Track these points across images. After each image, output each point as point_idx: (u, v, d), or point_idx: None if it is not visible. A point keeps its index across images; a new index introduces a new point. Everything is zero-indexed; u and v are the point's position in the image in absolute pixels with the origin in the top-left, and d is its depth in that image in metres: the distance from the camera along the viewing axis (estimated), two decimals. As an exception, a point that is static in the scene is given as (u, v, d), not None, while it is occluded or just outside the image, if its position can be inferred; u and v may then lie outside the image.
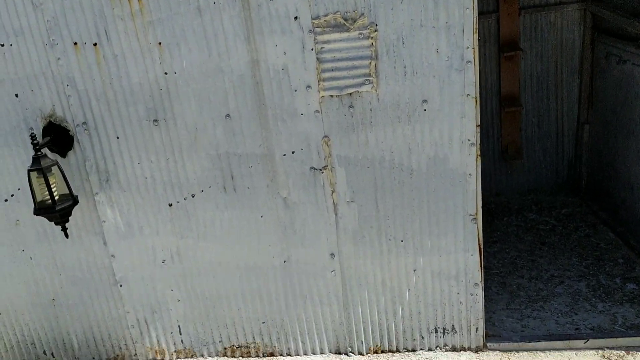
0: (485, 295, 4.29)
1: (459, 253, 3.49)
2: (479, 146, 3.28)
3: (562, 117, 5.70)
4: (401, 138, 3.28)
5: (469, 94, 3.17)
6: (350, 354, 3.76)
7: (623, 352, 3.53)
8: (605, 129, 5.18)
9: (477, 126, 3.23)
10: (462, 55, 3.10)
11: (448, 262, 3.51)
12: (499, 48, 5.48)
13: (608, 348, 3.56)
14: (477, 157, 3.30)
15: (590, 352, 3.57)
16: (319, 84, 3.19)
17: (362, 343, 3.73)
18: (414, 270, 3.55)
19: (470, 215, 3.42)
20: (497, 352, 3.67)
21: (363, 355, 3.76)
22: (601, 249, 4.79)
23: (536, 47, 5.50)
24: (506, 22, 5.35)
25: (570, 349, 3.60)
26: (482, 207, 5.79)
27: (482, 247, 3.48)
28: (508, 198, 5.94)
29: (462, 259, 3.50)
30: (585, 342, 3.58)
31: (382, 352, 3.76)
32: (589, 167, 5.65)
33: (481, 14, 5.38)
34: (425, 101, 3.20)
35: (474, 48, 3.08)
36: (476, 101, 3.18)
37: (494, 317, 4.03)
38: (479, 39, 5.48)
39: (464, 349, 3.70)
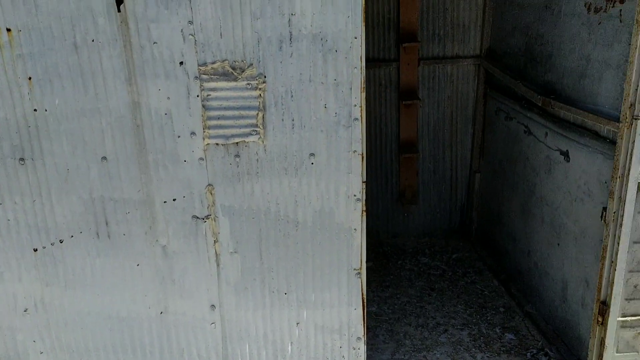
0: (372, 344, 4.30)
1: (342, 307, 3.46)
2: (364, 202, 3.28)
3: (456, 165, 5.92)
4: (287, 190, 3.23)
5: (355, 150, 3.17)
6: (229, 409, 3.60)
7: (496, 406, 3.62)
8: (493, 180, 5.42)
9: (363, 182, 3.24)
10: (349, 112, 3.10)
11: (331, 315, 3.47)
12: (399, 95, 5.62)
13: (483, 402, 3.65)
14: (362, 213, 3.30)
15: (466, 406, 3.64)
16: (204, 132, 3.07)
17: (242, 398, 3.59)
18: (297, 324, 3.47)
19: (354, 269, 3.40)
20: (378, 406, 3.66)
21: (242, 410, 3.61)
22: (485, 296, 4.96)
23: (433, 96, 5.70)
24: (406, 71, 5.51)
25: (448, 402, 3.66)
26: (379, 248, 5.94)
27: (365, 301, 3.46)
28: (404, 240, 6.06)
29: (346, 313, 3.47)
30: (461, 396, 3.65)
31: (263, 406, 3.63)
32: (479, 214, 5.88)
33: (383, 61, 5.52)
34: (312, 155, 3.17)
35: (361, 106, 3.10)
36: (362, 158, 3.19)
37: (378, 368, 4.04)
38: (380, 85, 5.63)
39: (346, 403, 3.65)
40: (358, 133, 3.14)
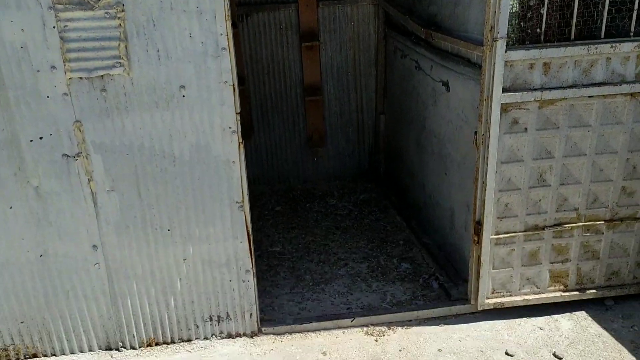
0: (273, 281, 4.38)
1: (228, 241, 3.49)
2: (240, 134, 3.28)
3: (362, 107, 5.99)
4: (160, 124, 3.18)
5: (226, 81, 3.15)
6: (122, 349, 3.61)
7: (385, 327, 3.78)
8: (395, 119, 5.53)
9: (237, 114, 3.23)
10: (216, 42, 3.06)
11: (218, 250, 3.50)
12: (300, 38, 5.59)
13: (372, 325, 3.80)
14: (239, 145, 3.30)
15: (356, 329, 3.78)
16: (65, 65, 2.96)
17: (134, 337, 3.60)
18: (184, 260, 3.48)
19: (237, 202, 3.42)
20: (271, 335, 3.75)
21: (136, 349, 3.63)
22: (387, 231, 5.12)
23: (335, 38, 5.69)
24: (305, 12, 5.47)
25: (339, 327, 3.78)
26: (289, 193, 5.99)
27: (250, 233, 3.50)
28: (314, 185, 6.13)
29: (232, 247, 3.50)
30: (352, 321, 3.78)
31: (157, 344, 3.65)
32: (386, 155, 6.01)
33: (281, 3, 5.46)
34: (183, 87, 3.12)
35: (227, 35, 3.06)
36: (234, 89, 3.17)
37: (276, 302, 4.11)
38: (281, 28, 5.57)
39: (240, 335, 3.72)
40: (227, 63, 3.11)
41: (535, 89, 3.31)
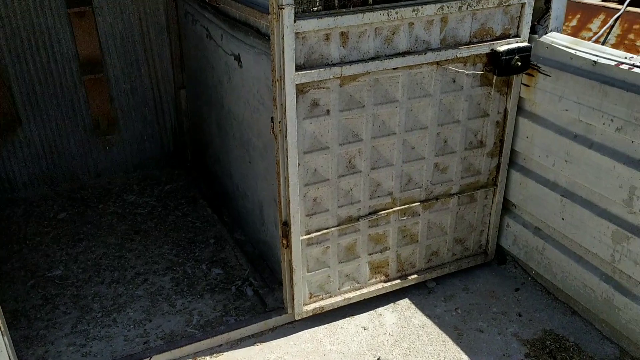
0: (48, 320, 3.49)
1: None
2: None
3: (158, 82, 5.11)
4: None
5: None
6: None
7: (190, 360, 3.14)
8: (195, 95, 4.76)
9: None
10: None
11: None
12: (66, 2, 4.50)
13: None
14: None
15: (155, 369, 3.09)
16: None
17: None
18: None
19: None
20: (42, 399, 2.91)
21: None
22: (196, 229, 4.42)
23: (114, 1, 4.69)
24: (66, -32, 4.38)
25: (132, 372, 3.06)
26: (77, 193, 4.97)
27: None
28: (110, 179, 5.18)
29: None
30: (148, 361, 3.08)
31: None
32: (191, 135, 5.23)
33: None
34: None
35: None
36: None
37: (51, 350, 3.24)
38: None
39: (-5, 408, 2.82)
40: None
41: (334, 64, 2.78)
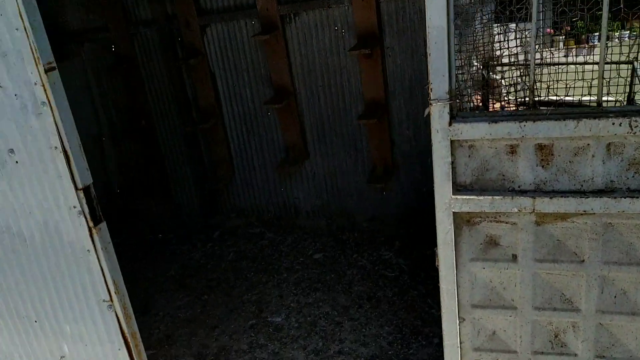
0: (236, 372, 3.44)
1: (105, 345, 2.66)
2: (88, 215, 2.38)
3: (445, 131, 4.46)
4: (1, 196, 2.47)
5: (56, 147, 2.27)
6: None
7: None
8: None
9: (78, 190, 2.33)
10: (33, 94, 2.19)
11: (96, 354, 2.70)
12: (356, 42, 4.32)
13: None
14: (92, 230, 2.40)
15: None
16: None
17: None
18: (62, 358, 2.78)
19: (104, 301, 2.55)
20: None
21: None
22: (430, 317, 3.69)
23: (406, 42, 4.27)
24: (361, 8, 4.15)
25: None
26: (344, 234, 4.83)
27: (129, 339, 2.61)
28: (381, 224, 4.86)
29: (111, 353, 2.67)
30: None
31: None
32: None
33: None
34: (12, 151, 2.35)
35: (43, 85, 2.16)
36: (67, 155, 2.27)
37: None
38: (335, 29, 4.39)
39: None
40: (51, 122, 2.22)
41: (524, 191, 1.71)
